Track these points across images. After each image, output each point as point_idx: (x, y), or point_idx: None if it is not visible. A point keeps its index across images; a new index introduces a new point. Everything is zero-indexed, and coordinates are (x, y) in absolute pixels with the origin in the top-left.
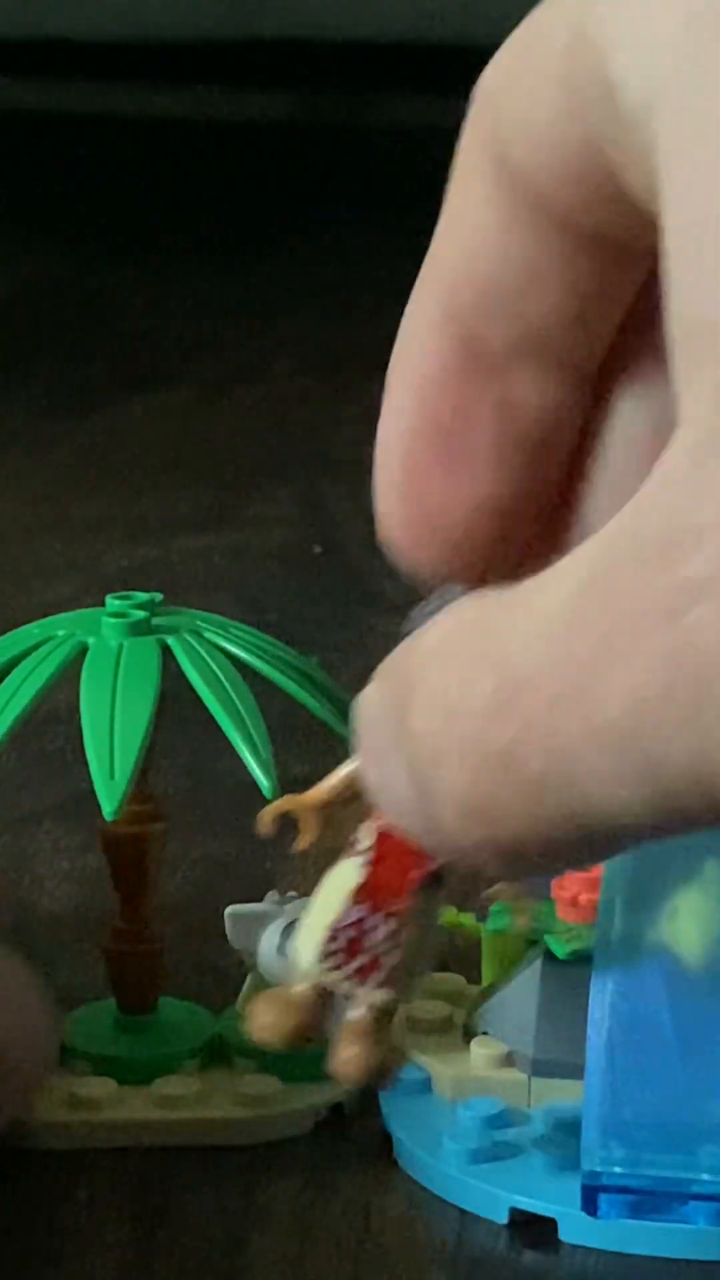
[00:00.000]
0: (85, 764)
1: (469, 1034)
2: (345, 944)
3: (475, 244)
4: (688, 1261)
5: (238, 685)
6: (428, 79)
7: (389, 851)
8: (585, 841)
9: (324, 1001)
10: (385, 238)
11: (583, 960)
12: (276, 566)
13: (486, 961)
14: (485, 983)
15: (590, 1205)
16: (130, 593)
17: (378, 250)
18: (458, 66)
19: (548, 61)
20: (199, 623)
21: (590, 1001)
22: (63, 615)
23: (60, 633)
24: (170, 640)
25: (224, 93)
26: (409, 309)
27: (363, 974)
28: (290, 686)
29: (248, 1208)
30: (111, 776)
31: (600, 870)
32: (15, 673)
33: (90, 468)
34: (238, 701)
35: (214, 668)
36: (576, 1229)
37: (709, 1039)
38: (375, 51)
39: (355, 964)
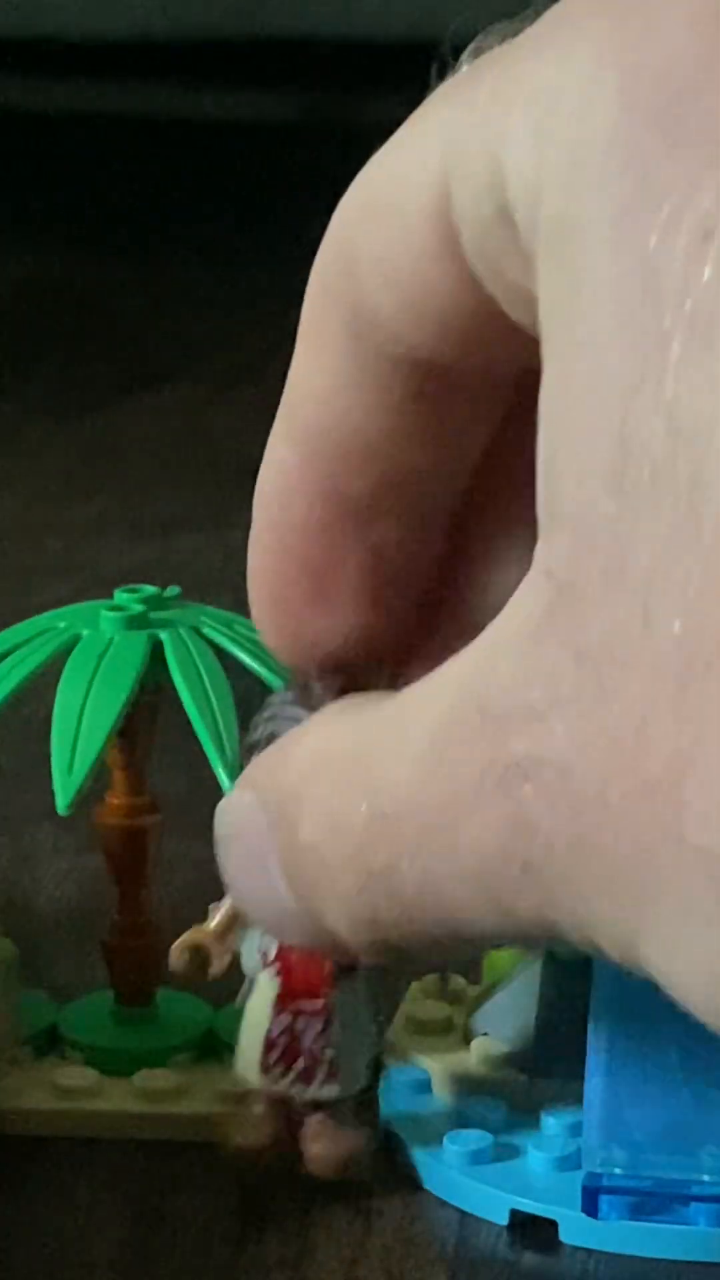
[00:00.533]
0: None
1: (469, 1034)
2: (282, 1052)
3: (330, 399)
4: (689, 1263)
5: (218, 683)
6: (428, 79)
7: (296, 955)
8: (468, 944)
9: (283, 1106)
10: None
11: (583, 960)
12: None
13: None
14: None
15: (591, 1206)
16: (140, 586)
17: None
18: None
19: (414, 197)
20: (204, 618)
21: (590, 1001)
22: (67, 608)
23: (61, 625)
24: (163, 635)
25: (224, 93)
26: (268, 455)
27: (307, 1076)
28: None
29: (248, 1208)
30: (69, 770)
31: None
32: (6, 662)
33: (90, 468)
34: (213, 699)
35: (198, 664)
36: (577, 1230)
37: (710, 1040)
38: (375, 51)
39: (297, 1068)
